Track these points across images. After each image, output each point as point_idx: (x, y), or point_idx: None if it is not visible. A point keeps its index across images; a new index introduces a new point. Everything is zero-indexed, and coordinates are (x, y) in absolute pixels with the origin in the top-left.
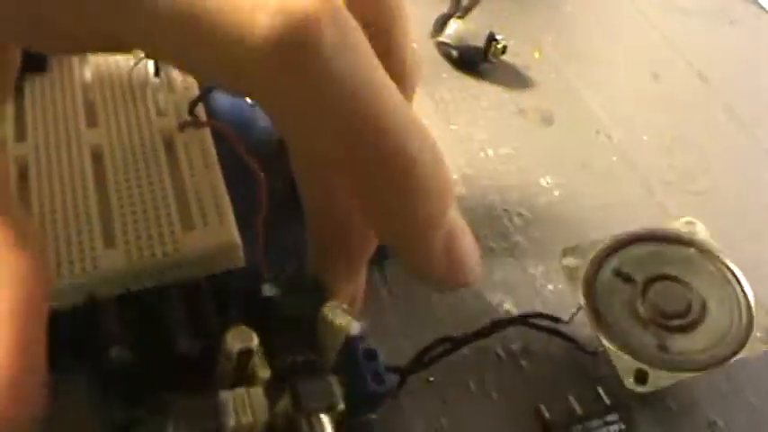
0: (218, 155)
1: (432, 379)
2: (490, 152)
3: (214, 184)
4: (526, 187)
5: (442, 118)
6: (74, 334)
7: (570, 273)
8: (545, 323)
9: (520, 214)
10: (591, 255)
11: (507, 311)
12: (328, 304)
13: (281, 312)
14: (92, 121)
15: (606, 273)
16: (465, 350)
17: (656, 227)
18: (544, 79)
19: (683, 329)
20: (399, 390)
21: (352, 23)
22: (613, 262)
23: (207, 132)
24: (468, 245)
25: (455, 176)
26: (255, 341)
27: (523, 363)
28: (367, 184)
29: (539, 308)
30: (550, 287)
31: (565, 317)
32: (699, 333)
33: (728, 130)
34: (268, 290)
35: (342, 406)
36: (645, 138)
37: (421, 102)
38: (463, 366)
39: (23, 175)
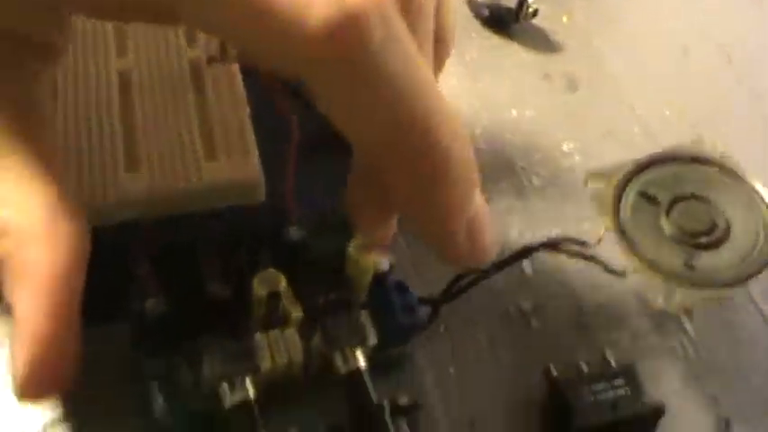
0: (246, 91)
1: (443, 329)
2: (514, 112)
3: (240, 118)
4: (547, 150)
5: (469, 75)
6: (109, 286)
7: (595, 196)
8: (574, 248)
9: (539, 174)
10: (615, 178)
11: (522, 269)
12: (354, 242)
13: (310, 253)
14: (121, 48)
15: (630, 195)
16: (477, 304)
17: (677, 147)
18: (572, 45)
19: (709, 247)
20: (432, 322)
21: (398, 19)
22: (637, 184)
23: (236, 66)
24: (488, 228)
25: (477, 131)
26: (283, 284)
27: (534, 322)
28: (403, 171)
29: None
30: None
31: None
32: (724, 250)
33: (752, 112)
34: (295, 232)
35: (374, 340)
36: (667, 112)
37: (449, 58)
38: (475, 321)
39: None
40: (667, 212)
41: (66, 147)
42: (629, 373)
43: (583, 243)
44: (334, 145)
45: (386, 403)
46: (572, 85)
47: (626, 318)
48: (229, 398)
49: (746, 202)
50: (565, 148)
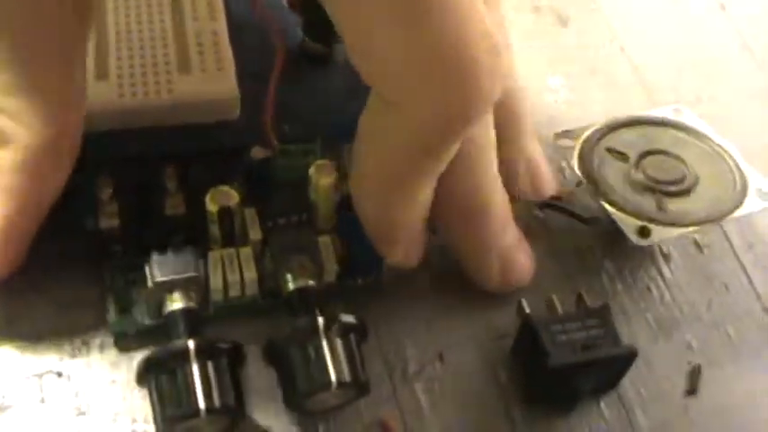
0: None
1: None
2: None
3: (217, 32)
4: (533, 83)
5: None
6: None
7: (565, 152)
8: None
9: None
10: (583, 136)
11: None
12: (316, 164)
13: (275, 174)
14: None
15: (599, 151)
16: None
17: (644, 113)
18: None
19: (680, 194)
20: None
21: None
22: (605, 143)
23: None
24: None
25: None
26: (234, 200)
27: None
28: None
29: None
30: None
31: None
32: (695, 196)
33: (740, 62)
34: (260, 152)
35: (332, 264)
36: (656, 55)
37: None
38: (449, 254)
39: None
40: (636, 164)
41: None
42: (602, 314)
43: (555, 197)
44: (317, 63)
45: (320, 319)
46: (562, 21)
47: (603, 261)
48: (168, 305)
49: (714, 161)
50: (551, 82)
